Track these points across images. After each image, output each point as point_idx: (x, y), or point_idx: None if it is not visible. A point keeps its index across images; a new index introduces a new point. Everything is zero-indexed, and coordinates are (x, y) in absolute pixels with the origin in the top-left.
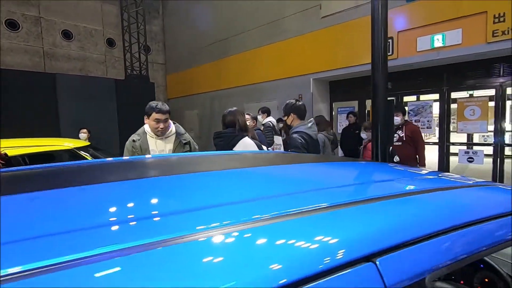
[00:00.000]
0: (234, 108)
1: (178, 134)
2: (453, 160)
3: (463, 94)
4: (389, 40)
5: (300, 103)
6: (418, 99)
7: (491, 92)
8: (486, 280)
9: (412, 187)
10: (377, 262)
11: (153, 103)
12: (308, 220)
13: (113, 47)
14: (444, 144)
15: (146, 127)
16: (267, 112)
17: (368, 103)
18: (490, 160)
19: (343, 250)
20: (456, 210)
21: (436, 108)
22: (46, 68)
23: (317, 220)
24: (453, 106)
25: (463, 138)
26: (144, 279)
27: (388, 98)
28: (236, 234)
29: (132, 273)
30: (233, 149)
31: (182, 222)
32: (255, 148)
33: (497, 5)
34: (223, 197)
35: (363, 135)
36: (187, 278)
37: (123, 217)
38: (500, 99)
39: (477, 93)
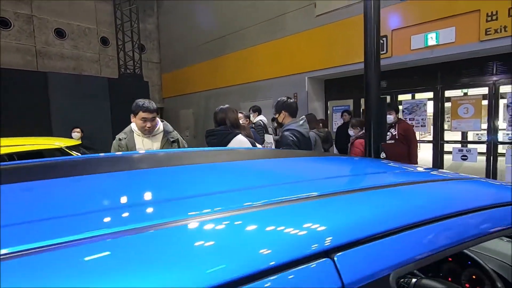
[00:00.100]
0: (226, 105)
1: (165, 132)
2: (447, 158)
3: (457, 92)
4: (383, 39)
5: (291, 100)
6: (412, 97)
7: (485, 90)
8: (474, 277)
9: (384, 180)
10: (335, 258)
11: (140, 101)
12: (268, 213)
13: (107, 45)
14: (438, 142)
15: (133, 125)
16: (258, 111)
17: (363, 101)
18: (484, 158)
19: (299, 245)
20: (427, 204)
21: (430, 106)
22: (38, 67)
23: (278, 213)
24: (447, 104)
25: (457, 136)
26: (137, 261)
27: (382, 96)
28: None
29: (125, 254)
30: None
31: (174, 208)
32: (249, 146)
33: (489, 4)
34: (206, 188)
35: (351, 132)
36: (179, 260)
37: (116, 204)
38: (494, 97)
39: (470, 91)
